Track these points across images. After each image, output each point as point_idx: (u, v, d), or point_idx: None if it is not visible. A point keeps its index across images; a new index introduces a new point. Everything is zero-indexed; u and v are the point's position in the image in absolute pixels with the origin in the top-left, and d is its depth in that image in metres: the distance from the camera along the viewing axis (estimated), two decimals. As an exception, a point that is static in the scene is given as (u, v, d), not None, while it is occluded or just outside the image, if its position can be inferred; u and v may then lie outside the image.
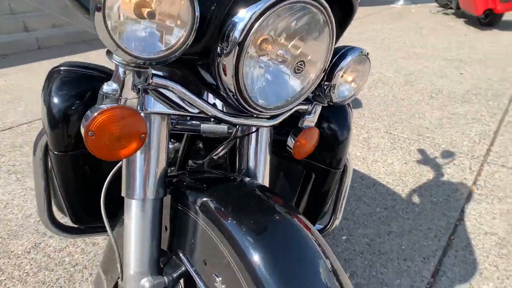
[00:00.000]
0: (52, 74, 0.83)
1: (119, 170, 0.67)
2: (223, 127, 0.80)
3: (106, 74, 0.87)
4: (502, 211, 1.75)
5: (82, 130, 0.50)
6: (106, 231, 1.04)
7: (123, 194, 0.64)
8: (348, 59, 0.67)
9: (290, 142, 0.79)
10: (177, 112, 0.60)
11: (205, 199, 0.62)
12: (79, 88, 0.81)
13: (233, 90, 0.54)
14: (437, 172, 2.05)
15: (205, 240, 0.59)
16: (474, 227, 1.64)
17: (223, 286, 0.55)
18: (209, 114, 0.59)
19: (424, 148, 2.31)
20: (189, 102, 0.60)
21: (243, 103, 0.56)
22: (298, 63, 0.57)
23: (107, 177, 0.91)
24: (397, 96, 3.07)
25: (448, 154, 2.23)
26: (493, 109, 2.86)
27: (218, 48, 0.51)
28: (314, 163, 0.94)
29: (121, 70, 0.49)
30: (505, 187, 1.92)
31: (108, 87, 0.50)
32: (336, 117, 0.91)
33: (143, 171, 0.61)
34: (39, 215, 0.94)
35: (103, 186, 0.92)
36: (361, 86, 0.76)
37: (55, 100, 0.79)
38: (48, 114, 0.79)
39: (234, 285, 0.53)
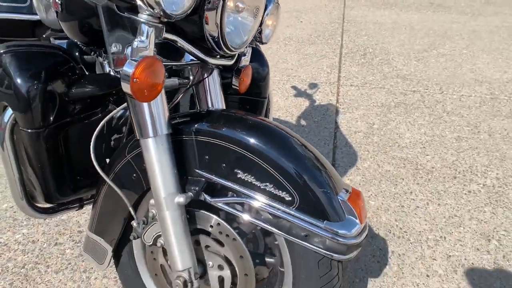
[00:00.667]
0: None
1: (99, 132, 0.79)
2: (174, 80, 0.96)
3: (51, 48, 0.90)
4: (360, 115, 2.35)
5: (126, 81, 0.62)
6: (77, 206, 1.08)
7: (138, 137, 0.76)
8: (270, 5, 0.92)
9: (235, 80, 1.01)
10: (174, 63, 0.76)
11: (202, 123, 0.81)
12: (36, 65, 0.84)
13: (216, 35, 0.73)
14: (310, 100, 2.55)
15: (217, 149, 0.78)
16: (347, 130, 2.19)
17: (245, 174, 0.77)
18: (199, 58, 0.76)
19: (295, 84, 2.79)
20: (176, 53, 0.76)
21: (222, 44, 0.75)
22: (255, 10, 0.79)
23: (78, 149, 0.96)
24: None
25: (313, 85, 2.76)
26: (332, 45, 3.56)
27: (205, 5, 0.68)
28: (247, 97, 1.18)
29: (144, 27, 0.63)
30: (357, 99, 2.55)
31: (138, 42, 0.63)
32: (257, 57, 1.16)
33: (155, 112, 0.75)
34: (15, 200, 0.94)
35: (75, 160, 0.97)
36: (276, 27, 1.02)
37: (19, 80, 0.81)
38: (16, 96, 0.80)
39: (254, 167, 0.75)
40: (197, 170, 0.82)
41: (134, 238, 0.95)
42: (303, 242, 0.74)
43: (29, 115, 0.83)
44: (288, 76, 2.92)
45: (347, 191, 0.79)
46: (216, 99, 0.98)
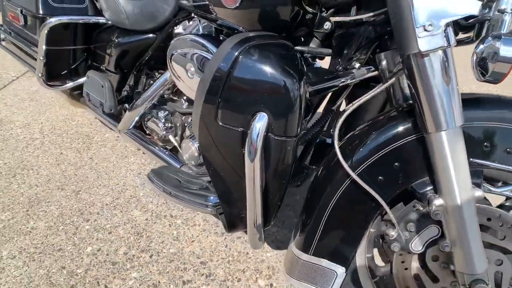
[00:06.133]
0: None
1: None
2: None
3: (281, 40, 0.78)
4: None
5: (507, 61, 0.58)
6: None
7: (429, 130, 0.70)
8: None
9: None
10: None
11: (474, 108, 0.73)
12: (287, 62, 0.72)
13: None
14: None
15: (500, 133, 0.73)
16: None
17: None
18: None
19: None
20: None
21: None
22: None
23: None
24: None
25: None
26: None
27: None
28: None
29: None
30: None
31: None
32: None
33: (455, 100, 0.67)
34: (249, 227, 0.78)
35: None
36: None
37: (282, 82, 0.68)
38: (278, 100, 0.68)
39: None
40: (474, 160, 0.74)
41: (395, 250, 0.82)
42: None
43: (288, 121, 0.69)
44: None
45: None
46: None
